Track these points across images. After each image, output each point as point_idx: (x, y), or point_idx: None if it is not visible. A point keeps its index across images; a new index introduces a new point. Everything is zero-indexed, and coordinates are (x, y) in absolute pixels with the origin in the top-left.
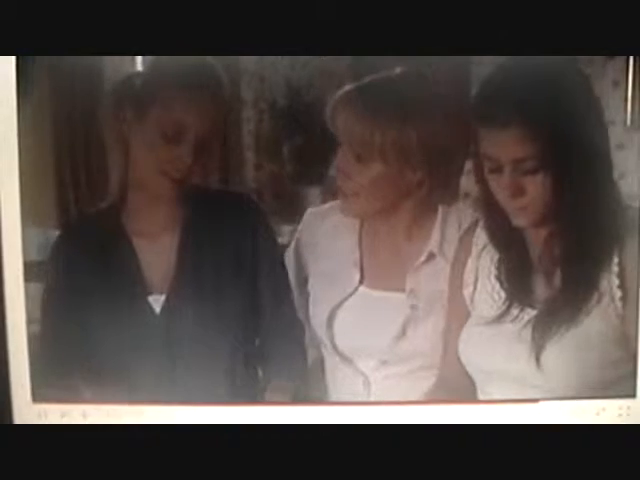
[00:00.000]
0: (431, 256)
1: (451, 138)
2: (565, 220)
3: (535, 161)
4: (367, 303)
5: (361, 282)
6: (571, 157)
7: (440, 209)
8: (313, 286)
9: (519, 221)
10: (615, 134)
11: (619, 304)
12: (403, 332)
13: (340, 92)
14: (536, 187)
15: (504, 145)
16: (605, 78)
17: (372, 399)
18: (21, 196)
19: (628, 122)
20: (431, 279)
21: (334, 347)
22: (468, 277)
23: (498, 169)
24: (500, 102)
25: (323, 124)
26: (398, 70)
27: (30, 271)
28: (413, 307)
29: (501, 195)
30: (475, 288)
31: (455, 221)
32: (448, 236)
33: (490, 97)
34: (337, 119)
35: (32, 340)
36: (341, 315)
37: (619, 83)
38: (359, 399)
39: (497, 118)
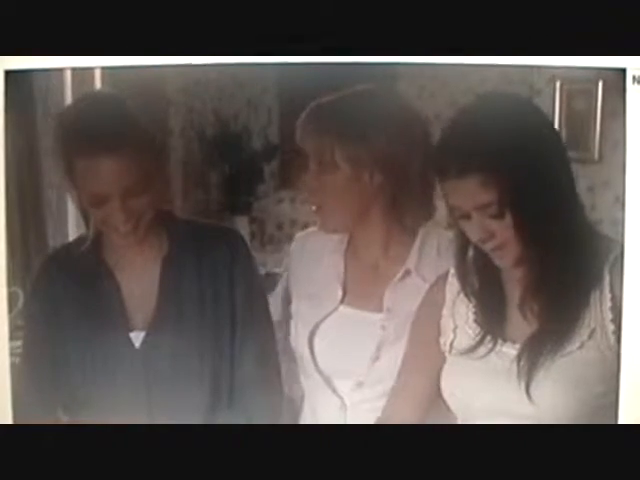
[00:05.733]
0: (407, 273)
1: (412, 154)
2: (545, 258)
3: (500, 205)
4: (346, 322)
5: (342, 300)
6: (538, 195)
7: (420, 231)
8: (297, 307)
9: (500, 262)
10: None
11: (612, 337)
12: (378, 353)
13: (306, 109)
14: (506, 229)
15: (465, 194)
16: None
17: (347, 421)
18: (7, 224)
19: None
20: (407, 297)
21: (315, 365)
22: (446, 325)
23: (466, 216)
24: (456, 153)
25: (250, 154)
26: (359, 88)
27: (13, 303)
28: (385, 327)
29: (475, 239)
30: (455, 335)
31: (434, 241)
32: (425, 255)
33: (445, 149)
34: (302, 134)
35: (15, 369)
36: (321, 333)
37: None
38: (335, 421)
39: (453, 169)
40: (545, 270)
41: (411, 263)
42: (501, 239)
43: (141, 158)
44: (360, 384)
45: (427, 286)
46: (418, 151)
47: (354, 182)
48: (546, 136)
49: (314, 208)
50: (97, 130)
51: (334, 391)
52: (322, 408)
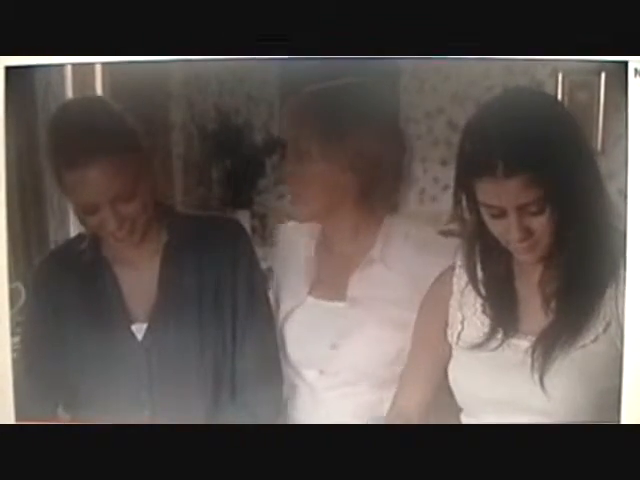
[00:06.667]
0: (370, 262)
1: (386, 149)
2: (570, 251)
3: (543, 202)
4: (312, 313)
5: (310, 292)
6: (576, 190)
7: (385, 220)
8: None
9: (525, 258)
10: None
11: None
12: (337, 341)
13: (292, 97)
14: (544, 225)
15: (508, 194)
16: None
17: (319, 409)
18: (8, 220)
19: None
20: (371, 286)
21: (286, 354)
22: (454, 317)
23: (501, 214)
24: (502, 153)
25: (252, 148)
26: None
27: (15, 299)
28: (346, 316)
29: (506, 238)
30: (463, 327)
31: (401, 229)
32: (390, 244)
33: (488, 148)
34: (283, 123)
35: (16, 363)
36: (289, 324)
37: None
38: (308, 409)
39: (499, 169)
40: (568, 263)
41: (375, 252)
42: (538, 236)
43: (128, 164)
44: (322, 372)
45: (391, 274)
46: (392, 147)
47: (328, 173)
48: (575, 130)
49: (289, 197)
50: (81, 141)
51: (303, 379)
52: (297, 396)
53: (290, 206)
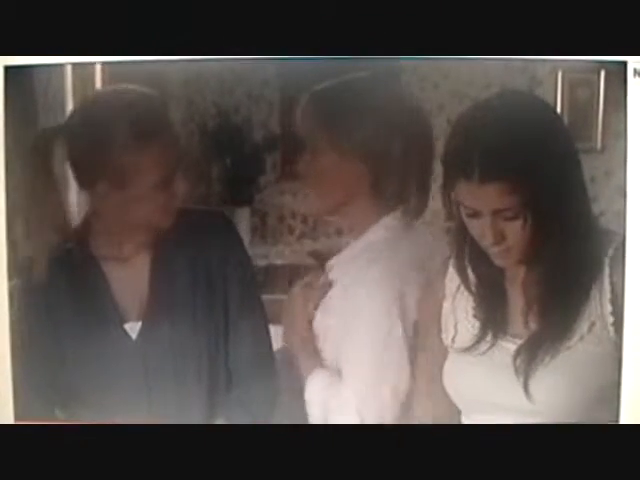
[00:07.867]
0: (352, 248)
1: (401, 145)
2: (550, 255)
3: (518, 209)
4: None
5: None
6: (555, 197)
7: (387, 216)
8: None
9: (502, 262)
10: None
11: (611, 329)
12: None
13: (302, 96)
14: (517, 231)
15: (484, 198)
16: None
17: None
18: (7, 218)
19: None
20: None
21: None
22: (447, 321)
23: (476, 215)
24: (480, 157)
25: (252, 146)
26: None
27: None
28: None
29: (482, 240)
30: (456, 331)
31: (396, 232)
32: (377, 239)
33: (468, 152)
34: (299, 120)
35: (15, 364)
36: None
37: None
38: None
39: (476, 173)
40: (548, 267)
41: (357, 245)
42: (512, 241)
43: (174, 145)
44: None
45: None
46: (401, 139)
47: (340, 167)
48: (564, 139)
49: (307, 193)
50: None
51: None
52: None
53: (305, 202)
